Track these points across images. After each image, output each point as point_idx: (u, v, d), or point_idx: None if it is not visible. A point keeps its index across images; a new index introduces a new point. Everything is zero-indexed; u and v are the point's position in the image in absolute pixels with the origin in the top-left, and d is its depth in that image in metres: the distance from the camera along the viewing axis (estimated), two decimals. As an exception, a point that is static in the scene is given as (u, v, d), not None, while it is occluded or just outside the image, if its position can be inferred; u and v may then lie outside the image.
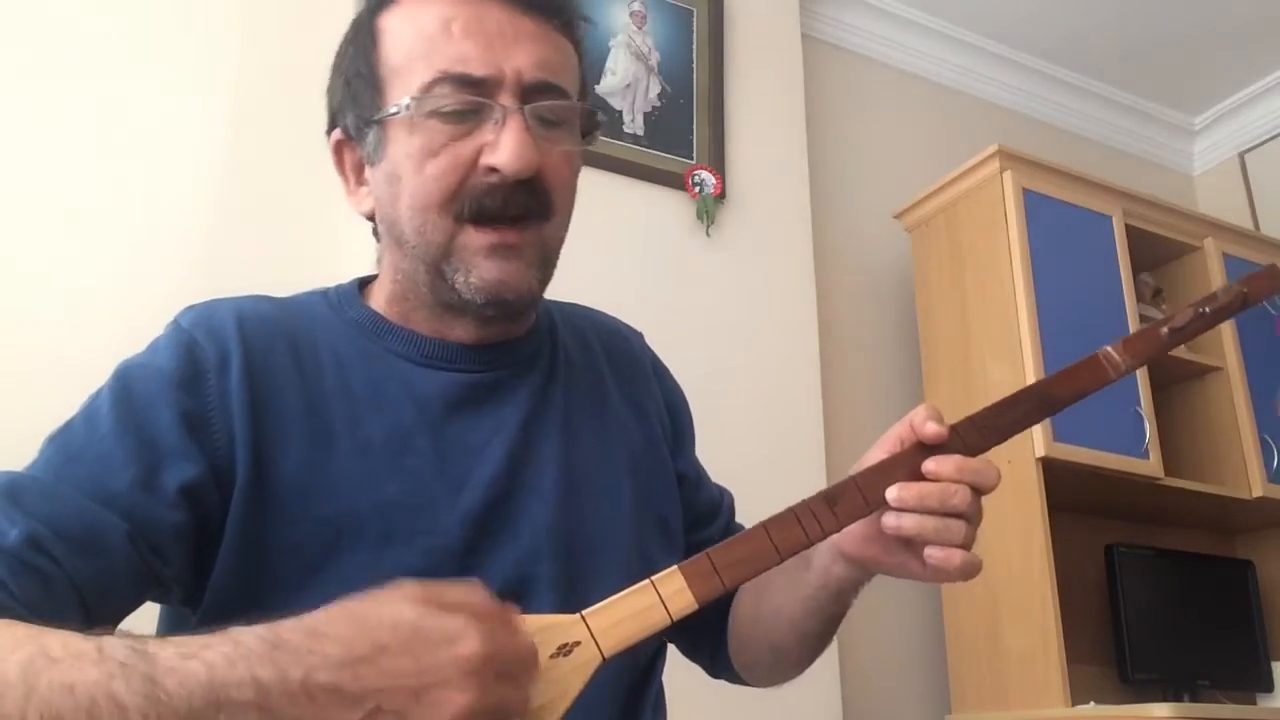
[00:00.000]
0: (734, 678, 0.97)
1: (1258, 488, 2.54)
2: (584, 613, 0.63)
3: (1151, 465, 2.37)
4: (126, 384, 0.72)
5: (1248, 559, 2.76)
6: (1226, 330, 2.68)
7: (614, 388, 0.91)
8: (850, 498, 0.70)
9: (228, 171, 1.99)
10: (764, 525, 0.68)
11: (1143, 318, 2.55)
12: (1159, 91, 3.41)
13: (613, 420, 0.88)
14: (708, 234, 2.26)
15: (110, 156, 1.92)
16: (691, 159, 2.31)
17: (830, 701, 2.04)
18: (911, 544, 0.72)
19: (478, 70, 0.75)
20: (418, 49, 0.77)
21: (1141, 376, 2.42)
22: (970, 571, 0.70)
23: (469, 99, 0.75)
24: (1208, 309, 0.75)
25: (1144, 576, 2.49)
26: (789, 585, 0.84)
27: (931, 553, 0.69)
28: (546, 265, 0.80)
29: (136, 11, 2.01)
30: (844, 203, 2.79)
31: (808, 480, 2.14)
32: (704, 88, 2.39)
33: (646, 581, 0.64)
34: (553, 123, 0.78)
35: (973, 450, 0.71)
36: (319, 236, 1.98)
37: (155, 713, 0.49)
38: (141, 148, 1.94)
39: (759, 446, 2.12)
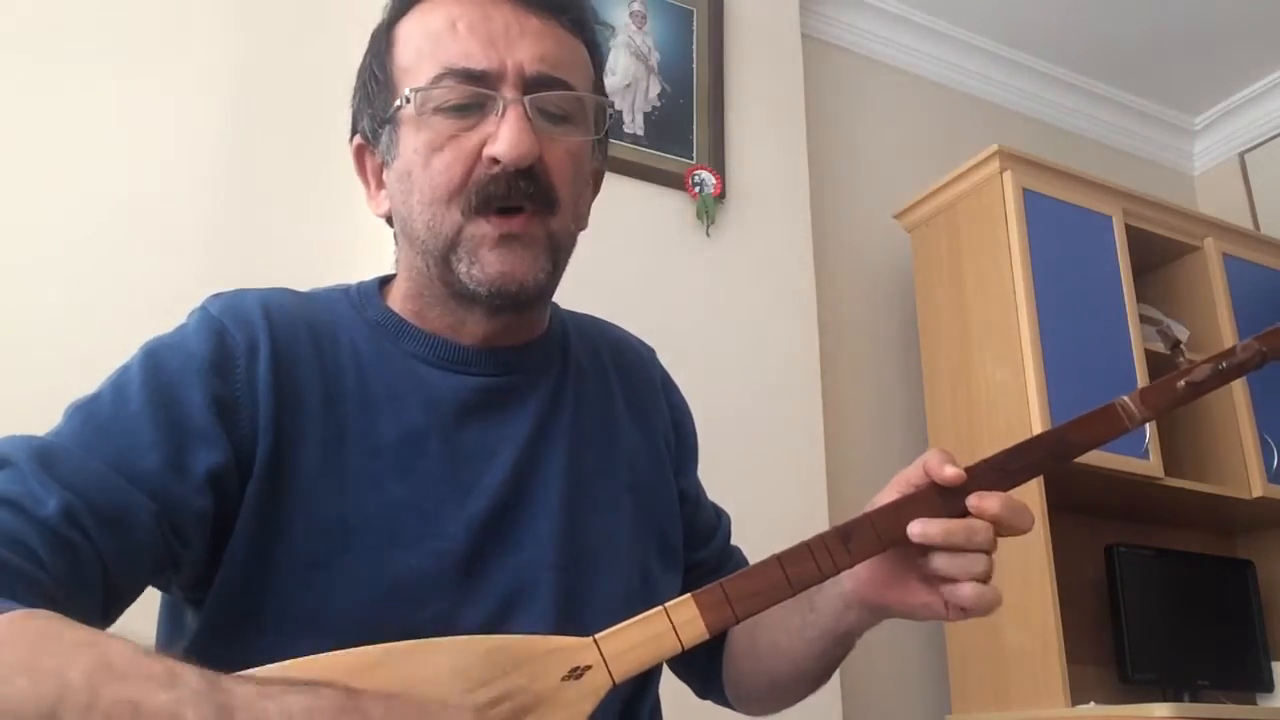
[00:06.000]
0: (722, 701, 0.97)
1: (1258, 488, 2.54)
2: (597, 636, 0.63)
3: (1151, 465, 2.37)
4: (157, 362, 0.72)
5: (1248, 559, 2.76)
6: (1227, 329, 2.67)
7: (622, 401, 0.91)
8: (864, 534, 0.70)
9: (228, 168, 1.99)
10: (777, 558, 0.68)
11: (1143, 318, 2.55)
12: (1159, 91, 3.41)
13: (619, 434, 0.88)
14: (708, 234, 2.26)
15: (111, 152, 1.91)
16: (691, 159, 2.31)
17: (830, 701, 2.04)
18: (933, 583, 0.72)
19: (479, 64, 0.76)
20: (424, 48, 0.78)
21: (1141, 375, 2.42)
22: (994, 606, 0.71)
23: (470, 90, 0.76)
24: (1225, 364, 0.76)
25: (1144, 576, 2.49)
26: (789, 623, 0.84)
27: (964, 589, 0.69)
28: (556, 258, 0.80)
29: (137, 8, 2.01)
30: (844, 203, 2.78)
31: (807, 481, 2.13)
32: (704, 88, 2.39)
33: (660, 608, 0.65)
34: (559, 116, 0.79)
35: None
36: (322, 233, 1.98)
37: None
38: (142, 144, 1.94)
39: (759, 446, 2.11)
